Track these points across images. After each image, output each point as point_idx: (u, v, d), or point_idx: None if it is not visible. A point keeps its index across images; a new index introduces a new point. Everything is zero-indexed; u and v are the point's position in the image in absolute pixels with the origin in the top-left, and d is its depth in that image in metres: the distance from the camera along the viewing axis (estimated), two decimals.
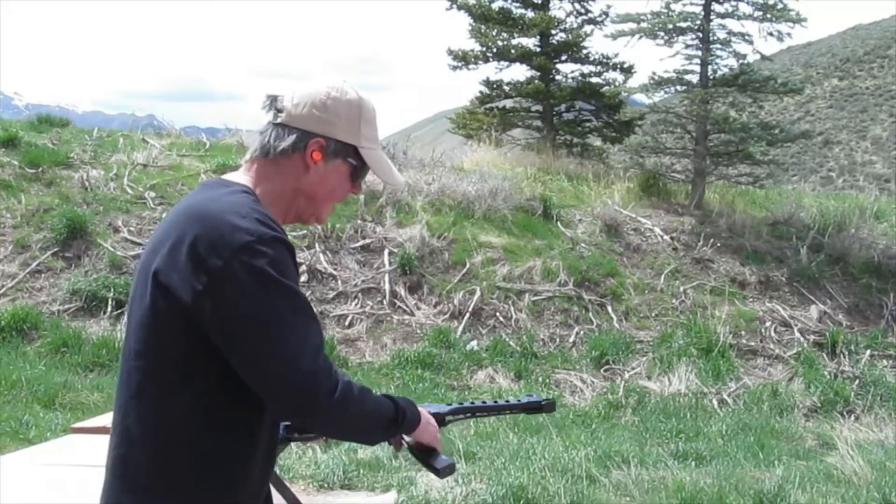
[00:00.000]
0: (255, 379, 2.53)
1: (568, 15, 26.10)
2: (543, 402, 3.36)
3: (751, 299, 16.27)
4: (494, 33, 25.87)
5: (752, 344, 14.94)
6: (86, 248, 14.47)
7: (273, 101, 2.86)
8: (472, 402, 3.39)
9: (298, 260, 14.29)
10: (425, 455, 3.05)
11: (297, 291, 2.58)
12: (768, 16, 19.68)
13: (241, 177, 2.84)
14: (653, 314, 15.39)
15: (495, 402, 3.53)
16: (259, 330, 2.49)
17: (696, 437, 11.38)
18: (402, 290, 14.80)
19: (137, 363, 2.61)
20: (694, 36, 20.03)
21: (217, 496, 2.64)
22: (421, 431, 2.99)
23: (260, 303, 2.49)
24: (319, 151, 2.81)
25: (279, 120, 2.83)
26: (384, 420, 2.79)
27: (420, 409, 3.00)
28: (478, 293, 14.83)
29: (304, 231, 15.14)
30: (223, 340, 2.52)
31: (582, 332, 14.62)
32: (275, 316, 2.50)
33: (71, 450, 5.69)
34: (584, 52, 26.00)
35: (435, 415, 3.16)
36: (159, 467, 2.59)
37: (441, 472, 3.04)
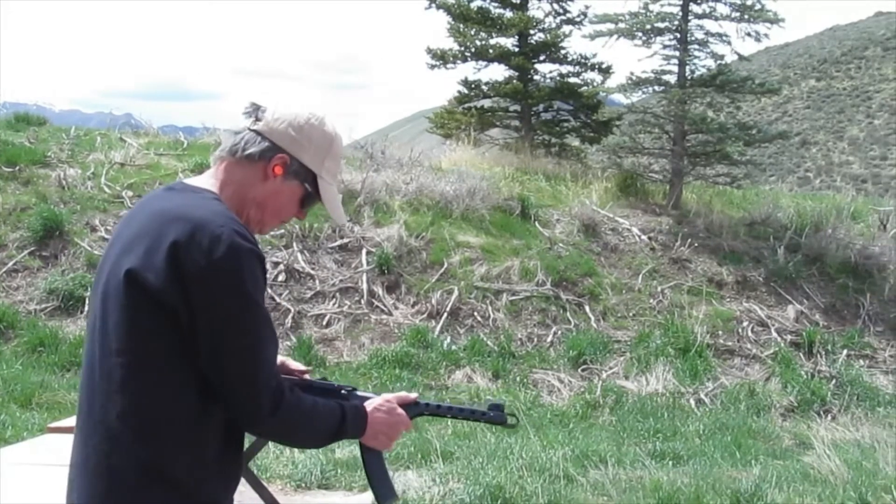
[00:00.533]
0: (218, 380, 2.69)
1: (546, 15, 26.11)
2: (493, 416, 3.41)
3: (728, 299, 16.32)
4: (473, 33, 25.85)
5: (730, 344, 14.99)
6: (63, 248, 14.42)
7: (255, 110, 2.98)
8: (442, 404, 3.46)
9: (277, 259, 14.33)
10: (371, 469, 3.22)
11: (264, 308, 2.76)
12: (746, 16, 19.74)
13: (207, 181, 2.94)
14: (630, 314, 15.42)
15: (457, 406, 3.60)
16: (228, 341, 2.65)
17: (674, 436, 11.41)
18: (379, 290, 14.80)
19: (119, 360, 2.66)
20: (672, 36, 20.08)
21: (204, 483, 2.75)
22: (370, 437, 3.12)
23: (233, 315, 2.65)
24: (282, 167, 2.94)
25: (256, 127, 2.95)
26: (323, 435, 2.97)
27: (371, 415, 3.10)
28: (455, 293, 14.83)
29: (282, 230, 15.13)
30: (199, 340, 2.64)
31: (559, 332, 14.64)
32: (245, 330, 2.68)
33: (48, 449, 5.68)
34: (563, 52, 25.99)
35: (411, 406, 3.26)
36: (148, 461, 2.65)
37: (380, 502, 3.24)
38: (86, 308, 13.34)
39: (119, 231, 2.88)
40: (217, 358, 2.65)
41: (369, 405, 3.11)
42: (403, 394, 3.26)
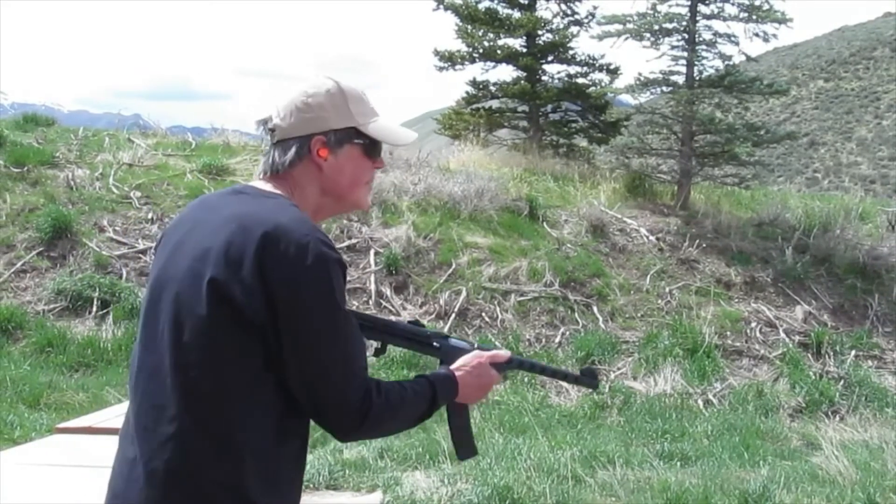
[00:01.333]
0: (307, 395, 2.65)
1: (554, 16, 26.09)
2: (584, 378, 3.40)
3: (736, 300, 16.29)
4: (481, 34, 25.82)
5: (738, 344, 14.97)
6: (71, 248, 14.43)
7: (265, 124, 2.93)
8: (535, 362, 3.48)
9: None
10: (454, 425, 3.21)
11: (351, 317, 2.72)
12: (754, 17, 19.70)
13: (271, 188, 2.89)
14: (638, 315, 15.41)
15: (549, 366, 3.64)
16: (319, 353, 2.62)
17: (682, 437, 11.40)
18: (388, 291, 14.80)
19: (198, 373, 2.60)
20: (680, 37, 20.05)
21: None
22: (463, 398, 3.10)
23: (325, 325, 2.62)
24: (323, 147, 2.87)
25: (276, 139, 2.89)
26: (414, 419, 2.93)
27: (461, 379, 3.06)
28: (464, 293, 14.83)
29: None
30: (286, 354, 2.60)
31: (567, 333, 14.63)
32: (336, 342, 2.64)
33: (56, 450, 5.69)
34: (571, 52, 25.96)
35: (502, 364, 3.23)
36: (227, 481, 2.60)
37: (460, 457, 3.31)
38: (93, 308, 13.36)
39: (185, 232, 2.81)
40: (307, 371, 2.61)
41: (458, 366, 3.07)
42: (496, 352, 3.19)
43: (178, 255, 2.73)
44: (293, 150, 2.86)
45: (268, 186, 2.88)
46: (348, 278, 13.54)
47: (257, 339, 2.57)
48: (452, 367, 3.07)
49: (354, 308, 14.09)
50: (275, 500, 2.68)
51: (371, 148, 2.98)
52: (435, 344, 3.17)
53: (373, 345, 3.24)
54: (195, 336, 2.60)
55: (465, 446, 3.24)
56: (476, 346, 3.21)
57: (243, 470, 2.59)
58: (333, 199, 2.96)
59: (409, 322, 3.28)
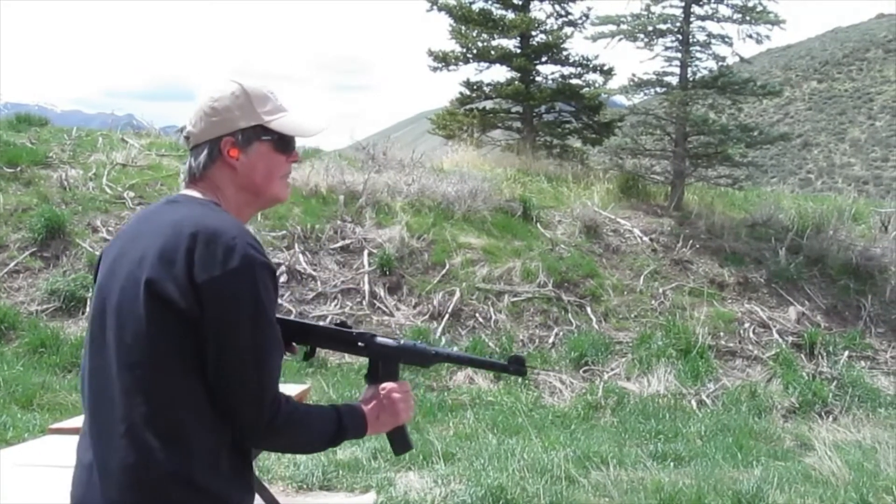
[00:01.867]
0: (220, 391, 2.71)
1: (548, 16, 26.07)
2: (512, 365, 3.38)
3: (729, 300, 16.31)
4: (475, 34, 25.82)
5: (731, 345, 14.99)
6: (64, 248, 14.41)
7: (181, 132, 3.07)
8: (452, 352, 3.50)
9: (278, 260, 14.33)
10: (389, 437, 3.25)
11: (273, 321, 2.78)
12: (747, 18, 19.73)
13: (199, 194, 2.99)
14: (632, 315, 15.42)
15: (476, 357, 3.67)
16: (234, 351, 2.69)
17: (675, 437, 11.42)
18: (381, 291, 14.80)
19: (141, 371, 2.69)
20: (674, 38, 20.08)
21: (226, 491, 2.78)
22: (374, 431, 3.13)
23: (245, 327, 2.69)
24: (233, 147, 2.97)
25: (190, 145, 3.02)
26: (321, 442, 2.98)
27: (369, 413, 3.09)
28: (457, 294, 14.84)
29: (284, 231, 15.15)
30: (207, 349, 2.68)
31: (561, 333, 14.64)
32: (252, 342, 2.70)
33: (49, 450, 5.68)
34: (564, 53, 25.96)
35: (420, 354, 3.27)
36: (179, 471, 2.66)
37: (395, 453, 3.34)
38: (86, 309, 13.35)
39: (125, 243, 2.90)
40: (222, 367, 2.68)
41: (366, 399, 3.12)
42: (402, 382, 3.21)
43: (118, 265, 2.84)
44: (205, 153, 2.98)
45: (196, 193, 2.98)
46: (342, 279, 13.53)
47: (194, 334, 2.66)
48: (361, 400, 3.14)
49: (349, 307, 14.11)
50: (223, 486, 2.74)
51: (281, 143, 3.06)
52: (360, 344, 3.20)
53: (302, 348, 3.30)
54: (136, 336, 2.69)
55: (399, 442, 3.26)
56: (401, 342, 3.26)
57: (192, 460, 2.67)
58: (251, 196, 3.05)
59: (336, 324, 3.33)
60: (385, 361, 3.19)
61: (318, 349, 3.33)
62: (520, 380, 13.23)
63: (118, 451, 2.67)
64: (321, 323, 3.38)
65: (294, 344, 3.22)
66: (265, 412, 2.71)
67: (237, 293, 2.66)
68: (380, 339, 3.21)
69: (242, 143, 2.97)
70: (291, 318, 2.95)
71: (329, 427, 2.93)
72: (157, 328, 2.66)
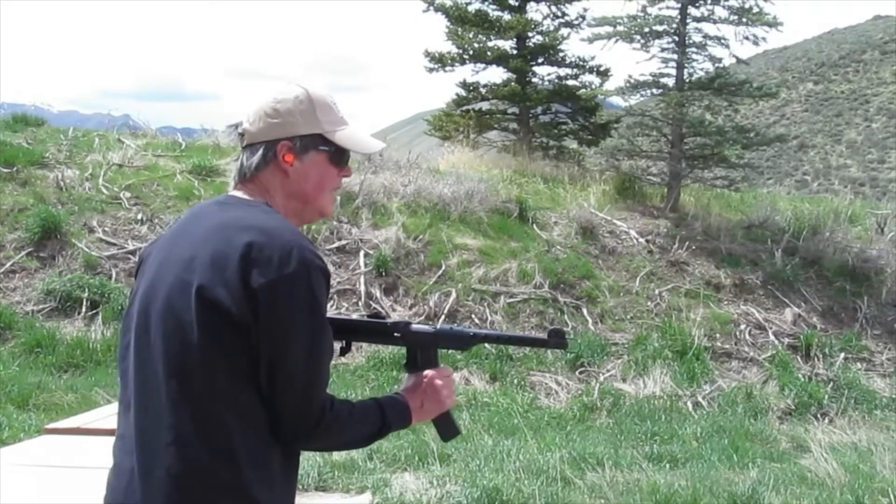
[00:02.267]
0: (270, 395, 2.68)
1: (545, 18, 26.06)
2: (552, 339, 3.36)
3: (725, 302, 16.32)
4: (471, 35, 25.79)
5: (727, 346, 15.00)
6: (60, 249, 14.40)
7: (235, 129, 3.02)
8: (490, 331, 3.49)
9: None
10: (435, 424, 3.24)
11: (329, 328, 2.77)
12: (744, 19, 19.73)
13: (249, 195, 2.95)
14: (628, 317, 15.42)
15: (515, 334, 3.65)
16: (289, 355, 2.66)
17: (671, 439, 11.42)
18: (377, 292, 14.79)
19: (191, 379, 2.65)
20: (670, 39, 20.08)
21: (280, 494, 2.78)
22: (419, 419, 3.12)
23: (300, 331, 2.66)
24: (289, 152, 2.92)
25: (245, 143, 2.97)
26: (365, 438, 2.95)
27: (412, 402, 3.07)
28: (453, 295, 14.83)
29: None
30: (261, 353, 2.64)
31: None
32: (307, 345, 2.68)
33: (45, 451, 5.68)
34: (561, 54, 25.94)
35: (457, 338, 3.25)
36: (229, 482, 2.64)
37: (444, 438, 3.32)
38: (82, 309, 13.34)
39: (170, 246, 2.85)
40: (276, 372, 2.65)
41: (408, 388, 3.12)
42: (443, 367, 3.21)
43: (166, 268, 2.78)
44: (259, 153, 2.93)
45: (245, 195, 2.94)
46: (338, 279, 13.54)
47: (244, 340, 2.62)
48: (403, 389, 3.12)
49: (345, 308, 14.11)
50: (274, 497, 2.72)
51: (337, 156, 3.02)
52: (396, 334, 3.18)
53: (337, 345, 3.24)
54: (186, 344, 2.64)
55: (446, 427, 3.26)
56: (437, 327, 3.25)
57: (241, 469, 2.63)
58: (299, 205, 3.00)
59: (369, 316, 3.32)
60: (423, 349, 3.18)
61: (353, 343, 3.31)
62: (515, 380, 13.25)
63: (165, 460, 2.63)
64: (354, 316, 3.39)
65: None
66: (315, 415, 2.70)
67: (293, 297, 2.63)
68: (415, 327, 3.20)
69: (299, 150, 2.93)
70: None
71: (373, 423, 2.92)
72: (207, 335, 2.62)
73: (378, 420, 2.92)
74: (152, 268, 2.84)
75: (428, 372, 3.13)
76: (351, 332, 3.26)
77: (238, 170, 2.99)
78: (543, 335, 3.32)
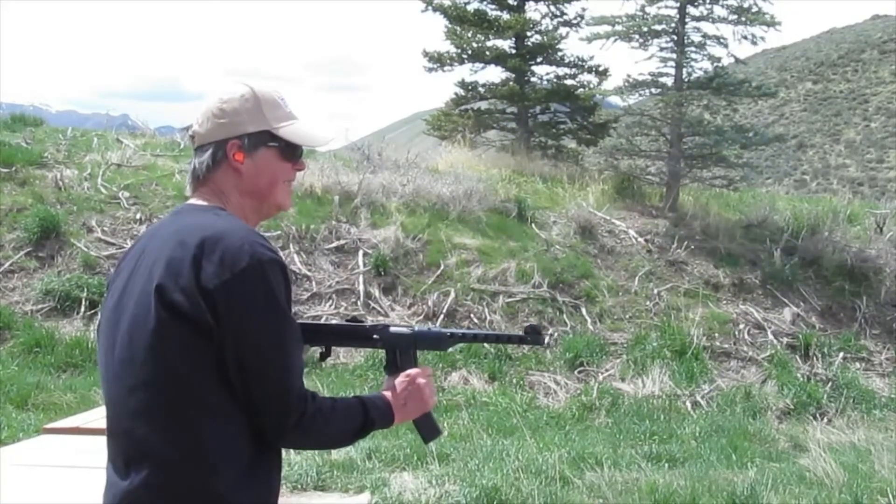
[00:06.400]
0: (252, 397, 2.67)
1: (543, 17, 26.05)
2: (529, 336, 3.36)
3: (724, 301, 16.32)
4: (470, 35, 25.78)
5: (726, 346, 15.00)
6: (59, 248, 14.40)
7: (187, 131, 3.07)
8: (467, 331, 3.47)
9: None
10: (416, 425, 3.21)
11: (291, 318, 2.74)
12: (743, 19, 19.76)
13: (204, 201, 2.96)
14: (627, 316, 15.42)
15: (491, 332, 3.64)
16: (258, 353, 2.64)
17: (670, 438, 11.42)
18: (376, 292, 14.79)
19: (154, 390, 2.64)
20: (669, 39, 20.10)
21: (261, 495, 2.75)
22: (402, 419, 3.09)
23: (262, 326, 2.65)
24: (239, 151, 2.95)
25: (195, 145, 3.01)
26: (347, 436, 2.94)
27: (391, 396, 3.07)
28: (452, 294, 14.83)
29: (278, 232, 15.12)
30: (229, 356, 2.63)
31: (556, 334, 14.63)
32: (274, 341, 2.67)
33: (44, 450, 5.68)
34: (559, 54, 25.93)
35: (435, 339, 3.27)
36: (210, 486, 2.62)
37: (425, 440, 3.29)
38: (81, 309, 13.34)
39: (134, 260, 2.86)
40: (245, 370, 2.63)
41: (389, 389, 3.09)
42: (424, 368, 3.21)
43: (132, 282, 2.79)
44: (209, 154, 2.96)
45: (201, 201, 2.96)
46: (336, 279, 13.54)
47: (208, 341, 2.61)
48: (383, 391, 3.10)
49: (343, 308, 14.11)
50: (252, 497, 2.70)
51: (288, 151, 3.03)
52: (375, 336, 3.18)
53: (317, 350, 3.28)
54: (149, 353, 2.65)
55: (427, 428, 3.24)
56: (416, 328, 3.25)
57: (218, 475, 2.62)
58: (255, 202, 3.01)
59: (347, 320, 3.32)
60: (402, 350, 3.18)
61: (332, 348, 3.31)
62: (514, 380, 13.25)
63: (142, 470, 2.62)
64: (333, 321, 3.38)
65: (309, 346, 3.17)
66: (293, 410, 2.68)
67: (250, 294, 2.62)
68: (394, 329, 3.20)
69: (249, 148, 2.95)
70: (302, 320, 2.90)
71: (355, 420, 2.90)
72: (168, 341, 2.61)
73: (360, 415, 2.90)
74: (121, 282, 2.86)
75: (411, 371, 3.13)
76: (330, 336, 3.25)
77: (192, 172, 3.01)
78: (520, 332, 3.34)
